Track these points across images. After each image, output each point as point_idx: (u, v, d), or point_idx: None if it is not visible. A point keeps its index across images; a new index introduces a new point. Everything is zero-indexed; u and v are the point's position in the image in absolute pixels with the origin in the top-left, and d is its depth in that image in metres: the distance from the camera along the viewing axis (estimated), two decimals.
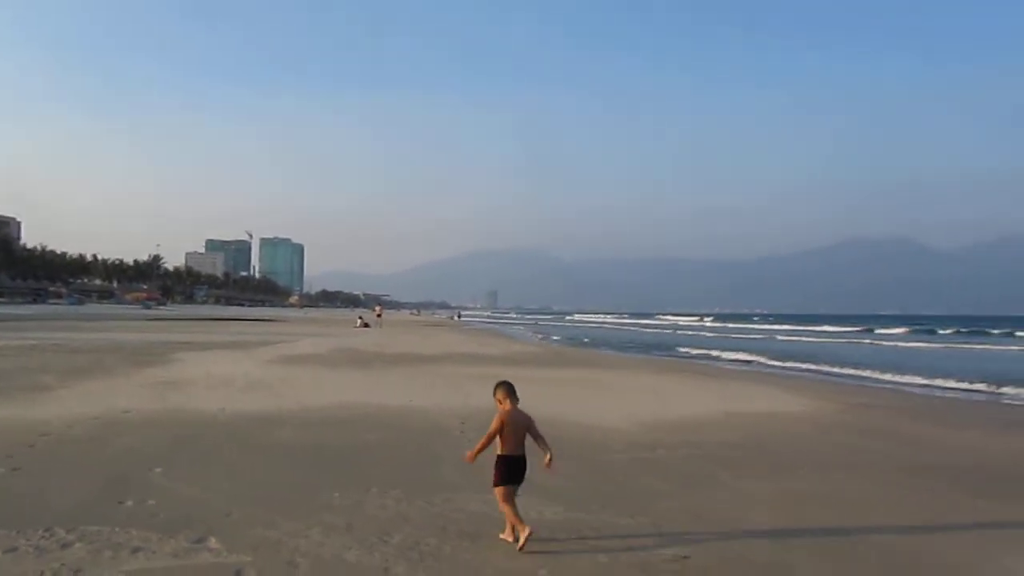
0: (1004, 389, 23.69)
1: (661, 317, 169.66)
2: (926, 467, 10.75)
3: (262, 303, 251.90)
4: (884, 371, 29.82)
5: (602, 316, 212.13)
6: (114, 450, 10.13)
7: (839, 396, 20.36)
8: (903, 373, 29.04)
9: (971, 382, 25.47)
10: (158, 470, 8.93)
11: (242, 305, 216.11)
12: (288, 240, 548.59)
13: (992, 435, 14.47)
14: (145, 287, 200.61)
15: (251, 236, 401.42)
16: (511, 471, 6.34)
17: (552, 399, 16.74)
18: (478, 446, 6.49)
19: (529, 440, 6.47)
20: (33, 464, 9.11)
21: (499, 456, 6.39)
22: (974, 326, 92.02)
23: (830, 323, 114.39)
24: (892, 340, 68.23)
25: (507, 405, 6.48)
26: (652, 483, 9.03)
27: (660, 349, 48.43)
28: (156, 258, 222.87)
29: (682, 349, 47.55)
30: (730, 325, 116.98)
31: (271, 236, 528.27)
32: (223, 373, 20.82)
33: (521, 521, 6.31)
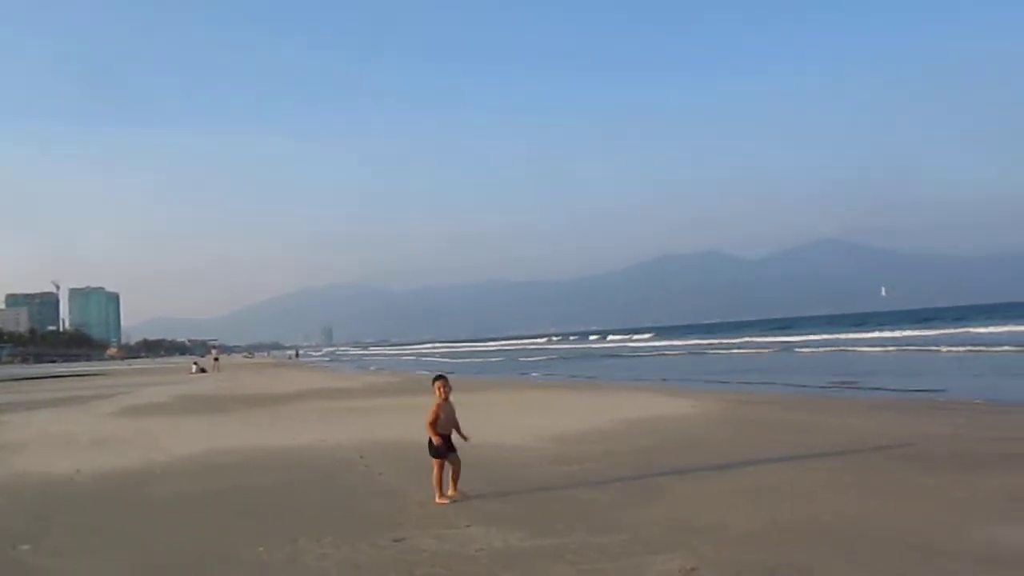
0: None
1: (499, 343, 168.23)
2: (837, 449, 10.78)
3: (77, 358, 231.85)
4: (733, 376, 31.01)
5: (432, 344, 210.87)
6: None
7: (713, 397, 20.71)
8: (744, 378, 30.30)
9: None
10: (25, 547, 7.37)
11: (54, 362, 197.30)
12: (101, 289, 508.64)
13: (862, 417, 14.96)
14: None
15: (58, 287, 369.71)
16: (438, 448, 8.20)
17: None
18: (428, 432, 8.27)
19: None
20: None
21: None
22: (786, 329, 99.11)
23: (668, 335, 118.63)
24: (727, 349, 71.28)
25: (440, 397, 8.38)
26: (600, 496, 8.40)
27: (510, 371, 48.43)
28: None
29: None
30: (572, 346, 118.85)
31: (81, 286, 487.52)
32: (62, 431, 18.43)
33: (441, 487, 8.24)
